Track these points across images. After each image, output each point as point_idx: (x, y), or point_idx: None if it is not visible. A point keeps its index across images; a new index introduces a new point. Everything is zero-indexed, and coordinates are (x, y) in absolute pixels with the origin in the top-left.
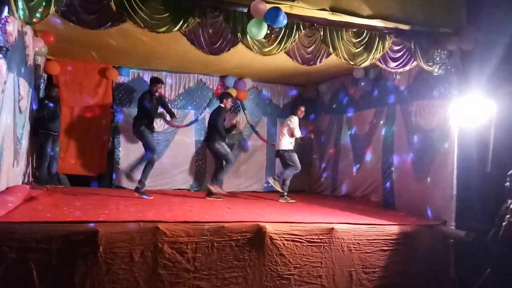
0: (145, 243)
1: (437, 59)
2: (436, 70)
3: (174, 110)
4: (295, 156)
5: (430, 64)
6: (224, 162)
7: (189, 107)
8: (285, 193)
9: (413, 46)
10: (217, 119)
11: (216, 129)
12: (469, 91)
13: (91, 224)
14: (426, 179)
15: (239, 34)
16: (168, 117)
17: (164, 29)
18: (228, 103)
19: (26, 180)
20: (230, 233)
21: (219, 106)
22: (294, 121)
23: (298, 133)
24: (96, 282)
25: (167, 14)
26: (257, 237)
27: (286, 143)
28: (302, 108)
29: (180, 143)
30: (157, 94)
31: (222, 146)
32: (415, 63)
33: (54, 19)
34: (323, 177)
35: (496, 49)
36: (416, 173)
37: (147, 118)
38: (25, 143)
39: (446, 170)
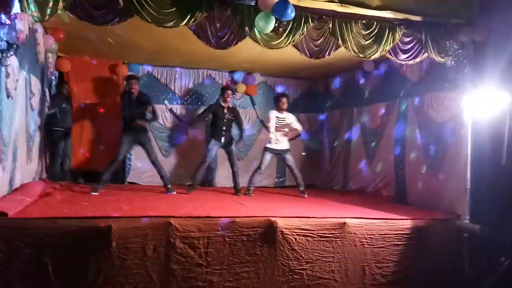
0: (157, 238)
1: (449, 50)
2: (448, 62)
3: (184, 106)
4: (264, 155)
5: (442, 55)
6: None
7: (199, 103)
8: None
9: (424, 38)
10: None
11: None
12: (482, 83)
13: (104, 220)
14: (439, 172)
15: (246, 28)
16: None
17: (171, 23)
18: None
19: (39, 177)
20: (242, 228)
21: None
22: (269, 115)
23: (270, 128)
24: (110, 277)
25: (174, 9)
26: (268, 232)
27: (267, 140)
28: (283, 99)
29: (192, 139)
30: (133, 91)
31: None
32: (426, 55)
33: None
34: (334, 171)
35: (510, 40)
36: (429, 167)
37: (124, 120)
38: (37, 140)
39: (460, 164)
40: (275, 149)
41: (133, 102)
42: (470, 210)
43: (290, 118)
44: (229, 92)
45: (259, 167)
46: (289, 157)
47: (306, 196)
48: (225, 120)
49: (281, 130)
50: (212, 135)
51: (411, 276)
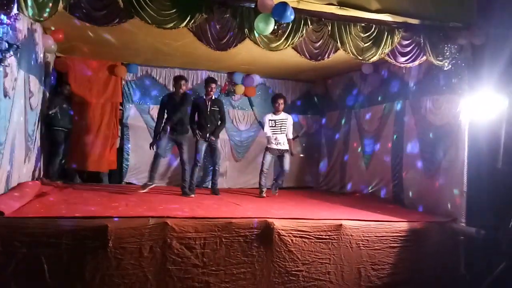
0: (154, 239)
1: (447, 53)
2: (446, 65)
3: None
4: (265, 156)
5: (440, 59)
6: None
7: None
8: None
9: (422, 41)
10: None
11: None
12: (480, 86)
13: (101, 220)
14: (436, 175)
15: (246, 30)
16: None
17: (171, 25)
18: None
19: (37, 176)
20: (238, 229)
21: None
22: (264, 119)
23: (266, 133)
24: (106, 277)
25: (174, 10)
26: (265, 233)
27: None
28: (280, 101)
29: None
30: (181, 91)
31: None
32: (424, 58)
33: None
34: (331, 173)
35: (508, 43)
36: (426, 170)
37: (167, 119)
38: (36, 139)
39: (457, 166)
40: (275, 149)
41: (176, 102)
42: (466, 213)
43: (289, 121)
44: (213, 85)
45: (262, 169)
46: (287, 157)
47: (274, 194)
48: (208, 113)
49: (280, 130)
50: (198, 133)
51: (407, 279)
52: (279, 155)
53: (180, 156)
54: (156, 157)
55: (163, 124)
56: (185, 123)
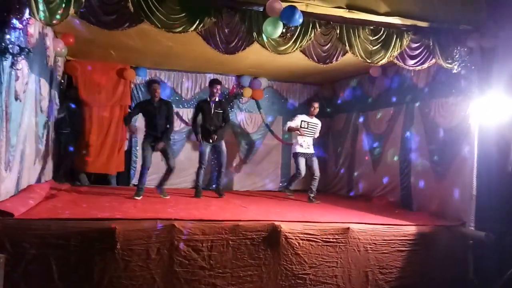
0: (161, 241)
1: (457, 56)
2: (455, 67)
3: (191, 110)
4: (299, 161)
5: (449, 61)
6: None
7: None
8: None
9: (431, 44)
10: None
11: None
12: (489, 89)
13: (109, 221)
14: (445, 179)
15: (254, 34)
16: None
17: (180, 29)
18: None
19: (46, 178)
20: (245, 231)
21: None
22: (295, 117)
23: (287, 126)
24: (113, 279)
25: (183, 14)
26: (272, 236)
27: (295, 145)
28: (316, 105)
29: (195, 142)
30: (156, 98)
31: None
32: (433, 60)
33: (74, 20)
34: (338, 176)
35: None
36: (435, 173)
37: (146, 127)
38: (46, 142)
39: (466, 170)
40: (304, 153)
41: (155, 108)
42: (475, 217)
43: (318, 125)
44: (218, 87)
45: (297, 174)
46: (315, 162)
47: (315, 202)
48: (211, 116)
49: (310, 134)
50: (202, 136)
51: (415, 283)
52: (307, 160)
53: (166, 161)
54: (143, 170)
55: (145, 133)
56: (164, 130)
